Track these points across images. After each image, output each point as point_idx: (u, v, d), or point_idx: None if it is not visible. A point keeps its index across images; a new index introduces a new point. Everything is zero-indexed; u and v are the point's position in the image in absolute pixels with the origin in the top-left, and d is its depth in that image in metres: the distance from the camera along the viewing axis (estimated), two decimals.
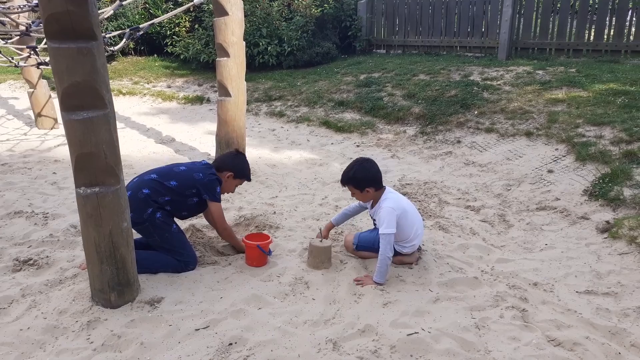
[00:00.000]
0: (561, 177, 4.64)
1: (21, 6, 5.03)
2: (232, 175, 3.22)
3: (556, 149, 5.16)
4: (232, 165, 3.24)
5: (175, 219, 3.14)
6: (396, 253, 3.07)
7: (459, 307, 2.71)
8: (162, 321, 2.53)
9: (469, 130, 6.16)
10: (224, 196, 4.49)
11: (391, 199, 3.05)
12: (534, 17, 8.70)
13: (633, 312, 2.66)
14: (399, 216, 2.99)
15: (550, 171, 4.81)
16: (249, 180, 3.39)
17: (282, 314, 2.64)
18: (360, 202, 3.24)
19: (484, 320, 2.59)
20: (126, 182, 2.85)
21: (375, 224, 3.21)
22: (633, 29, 8.01)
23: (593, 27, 8.29)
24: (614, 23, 8.08)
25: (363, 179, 3.03)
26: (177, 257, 3.01)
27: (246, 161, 3.36)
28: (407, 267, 3.17)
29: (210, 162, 3.34)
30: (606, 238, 3.53)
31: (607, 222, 3.68)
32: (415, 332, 2.45)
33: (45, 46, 5.49)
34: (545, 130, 5.53)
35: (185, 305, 2.69)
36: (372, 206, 3.15)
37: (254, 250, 3.14)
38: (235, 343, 2.37)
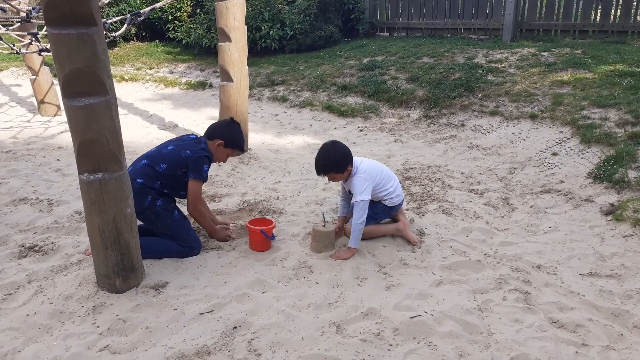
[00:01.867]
0: (565, 160, 4.61)
1: None
2: (223, 144, 3.12)
3: (561, 132, 5.12)
4: (222, 133, 3.14)
5: (178, 205, 3.14)
6: (388, 210, 3.27)
7: (462, 290, 2.72)
8: (167, 305, 2.56)
9: (473, 113, 6.12)
10: (226, 181, 4.52)
11: (361, 169, 3.16)
12: None
13: (636, 294, 2.66)
14: (373, 179, 3.15)
15: (554, 154, 4.78)
16: (242, 150, 3.26)
17: (286, 298, 2.66)
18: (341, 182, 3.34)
19: (487, 303, 2.60)
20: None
21: (349, 194, 3.31)
22: None
23: (599, 7, 8.16)
24: (620, 3, 7.95)
25: (342, 161, 3.10)
26: (181, 243, 3.03)
27: (239, 131, 3.24)
28: (410, 250, 3.18)
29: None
30: (610, 220, 3.52)
31: (612, 204, 3.67)
32: (418, 315, 2.47)
33: (47, 32, 5.47)
34: (550, 112, 5.49)
35: (189, 290, 2.71)
36: (345, 180, 3.24)
37: (258, 235, 3.15)
38: (240, 326, 2.40)
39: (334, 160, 3.08)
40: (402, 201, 3.42)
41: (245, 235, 3.33)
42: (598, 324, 2.41)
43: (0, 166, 4.90)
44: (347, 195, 3.38)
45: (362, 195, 3.06)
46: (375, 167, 3.29)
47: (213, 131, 3.18)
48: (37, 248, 3.16)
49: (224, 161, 3.27)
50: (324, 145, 3.18)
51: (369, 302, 2.61)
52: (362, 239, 3.20)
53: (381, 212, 3.34)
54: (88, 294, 2.61)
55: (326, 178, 3.19)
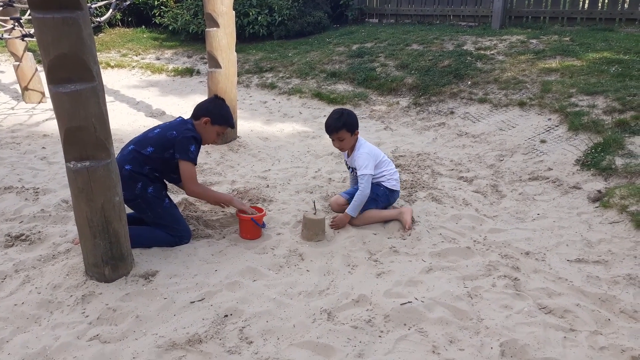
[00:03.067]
0: (554, 147, 4.64)
1: None
2: (209, 121, 3.03)
3: (549, 119, 5.15)
4: (208, 110, 3.05)
5: (169, 193, 3.11)
6: (388, 193, 3.41)
7: (452, 277, 2.74)
8: (157, 294, 2.54)
9: (462, 101, 6.13)
10: (215, 169, 4.49)
11: (365, 146, 3.38)
12: None
13: (622, 279, 2.70)
14: (375, 157, 3.36)
15: (543, 141, 4.81)
16: (231, 126, 3.17)
17: (277, 286, 2.65)
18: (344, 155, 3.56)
19: (477, 289, 2.62)
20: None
21: (352, 171, 3.53)
22: None
23: None
24: None
25: (354, 122, 3.30)
26: (171, 232, 3.00)
27: (225, 106, 3.14)
28: (400, 238, 3.19)
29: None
30: (597, 207, 3.56)
31: (599, 191, 3.71)
32: (409, 302, 2.48)
33: (30, 17, 5.33)
34: (538, 100, 5.51)
35: (180, 279, 2.69)
36: (349, 155, 3.45)
37: (248, 223, 3.13)
38: (231, 315, 2.39)
39: (347, 119, 3.26)
40: (399, 192, 3.54)
41: (236, 223, 3.32)
42: (586, 309, 2.45)
43: None
44: (353, 177, 3.55)
45: (366, 169, 3.24)
46: (375, 148, 3.48)
47: (198, 110, 3.09)
48: (23, 237, 3.11)
49: (216, 141, 3.17)
50: (335, 110, 3.38)
51: (359, 289, 2.62)
52: (365, 224, 3.29)
53: (382, 195, 3.40)
54: (77, 283, 2.58)
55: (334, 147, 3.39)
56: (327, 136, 3.38)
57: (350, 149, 3.41)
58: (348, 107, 6.61)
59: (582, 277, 2.76)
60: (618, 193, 3.55)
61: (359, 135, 3.40)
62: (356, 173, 3.35)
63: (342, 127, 3.25)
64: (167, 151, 2.93)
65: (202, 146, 3.09)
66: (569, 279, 2.73)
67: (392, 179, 3.43)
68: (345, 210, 3.25)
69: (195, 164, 2.98)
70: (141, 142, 2.98)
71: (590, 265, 2.89)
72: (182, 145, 2.90)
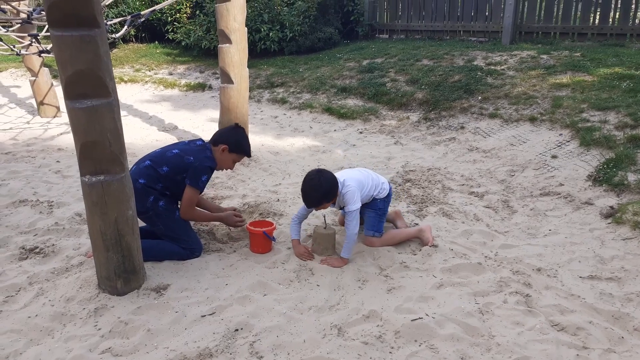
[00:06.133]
0: (565, 163, 4.62)
1: None
2: (227, 149, 3.12)
3: (560, 134, 5.13)
4: (226, 137, 3.15)
5: (179, 206, 3.15)
6: (386, 202, 3.29)
7: (463, 293, 2.72)
8: (169, 308, 2.56)
9: (473, 115, 6.13)
10: (226, 183, 4.52)
11: (346, 183, 3.08)
12: (538, 1, 8.59)
13: (636, 296, 2.67)
14: (360, 185, 3.14)
15: (554, 156, 4.79)
16: (248, 155, 3.25)
17: (287, 300, 2.66)
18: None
19: (488, 306, 2.60)
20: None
21: (343, 211, 3.24)
22: (639, 12, 7.91)
23: (598, 10, 8.18)
24: (619, 6, 7.98)
25: (332, 189, 3.00)
26: (182, 245, 3.03)
27: (244, 135, 3.24)
28: (410, 253, 3.18)
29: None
30: (610, 223, 3.53)
31: (611, 207, 3.68)
32: (420, 318, 2.47)
33: (47, 34, 5.44)
34: (549, 115, 5.50)
35: (191, 292, 2.71)
36: (334, 201, 3.12)
37: (259, 236, 3.15)
38: (241, 329, 2.40)
39: (325, 192, 2.97)
40: (391, 188, 3.42)
41: (246, 237, 3.33)
42: (599, 326, 2.42)
43: (0, 168, 4.89)
44: (303, 215, 3.24)
45: (355, 205, 3.04)
46: (351, 172, 3.29)
47: (218, 137, 3.20)
48: (37, 250, 3.16)
49: (231, 168, 3.25)
50: (310, 176, 3.03)
51: (370, 304, 2.61)
52: (389, 245, 3.22)
53: (383, 206, 3.32)
54: (89, 296, 2.61)
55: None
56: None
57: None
58: (358, 122, 6.65)
59: (595, 294, 2.73)
60: (631, 209, 3.52)
61: (337, 174, 3.13)
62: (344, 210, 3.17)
63: (321, 201, 3.01)
64: (181, 174, 3.01)
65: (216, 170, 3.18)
66: (581, 295, 2.70)
67: (383, 189, 3.29)
68: (341, 254, 3.06)
69: (201, 192, 3.08)
70: (158, 159, 3.04)
71: (603, 282, 2.86)
72: (195, 172, 2.99)
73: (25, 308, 2.57)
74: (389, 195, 3.37)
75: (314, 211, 3.28)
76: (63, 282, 2.76)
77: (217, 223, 3.57)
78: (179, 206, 3.13)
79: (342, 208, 3.20)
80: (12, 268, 2.96)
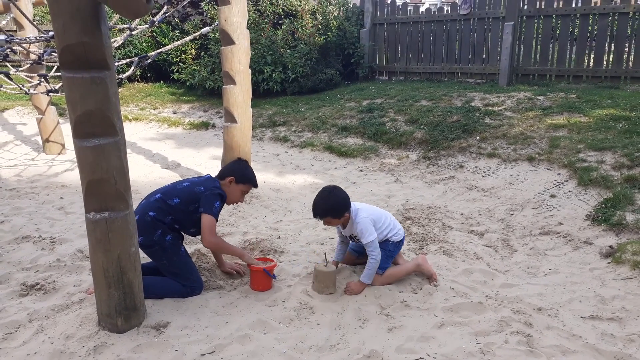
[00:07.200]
0: (564, 202, 4.66)
1: (37, 37, 5.17)
2: (234, 180, 3.20)
3: (558, 174, 5.20)
4: (231, 170, 3.25)
5: (184, 243, 3.17)
6: (398, 245, 3.33)
7: (464, 332, 2.71)
8: (168, 346, 2.54)
9: (472, 155, 6.22)
10: (228, 220, 4.55)
11: (361, 210, 3.21)
12: (533, 44, 8.85)
13: (638, 337, 2.65)
14: (375, 218, 3.22)
15: (552, 196, 4.84)
16: (255, 185, 3.32)
17: (288, 339, 2.64)
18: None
19: (489, 346, 2.59)
20: (134, 207, 2.89)
21: (352, 241, 3.36)
22: (632, 56, 8.13)
23: (592, 53, 8.42)
24: (612, 49, 8.21)
25: (340, 207, 3.12)
26: (184, 282, 3.03)
27: (248, 167, 3.34)
28: (411, 292, 3.18)
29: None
30: (610, 263, 3.54)
31: (611, 247, 3.69)
32: (421, 358, 2.45)
33: (55, 73, 5.60)
34: (547, 155, 5.58)
35: (191, 330, 2.70)
36: (345, 226, 3.25)
37: (259, 274, 3.16)
38: None
39: (332, 205, 3.10)
40: (404, 236, 3.46)
41: (247, 274, 3.34)
42: None
43: (3, 204, 4.94)
44: (345, 239, 3.41)
45: (371, 236, 3.12)
46: (370, 207, 3.38)
47: (223, 171, 3.29)
48: (38, 286, 3.16)
49: (241, 200, 3.31)
50: (324, 189, 3.21)
51: (371, 344, 2.60)
52: (390, 283, 3.22)
53: (394, 248, 3.35)
54: (89, 334, 2.60)
55: (322, 222, 3.21)
56: None
57: (343, 224, 3.25)
58: (358, 160, 6.74)
59: (597, 334, 2.71)
60: (630, 249, 3.54)
61: (355, 203, 3.23)
62: (356, 241, 3.27)
63: (326, 214, 3.11)
64: (192, 204, 3.05)
65: (225, 205, 3.22)
66: (583, 336, 2.69)
67: (398, 234, 3.34)
68: (360, 279, 3.17)
69: (217, 219, 3.09)
70: (169, 192, 3.10)
71: (604, 322, 2.85)
72: (207, 200, 3.03)
73: (25, 345, 2.56)
74: (401, 242, 3.40)
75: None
76: (63, 319, 2.75)
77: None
78: (184, 244, 3.15)
79: (352, 238, 3.28)
80: (13, 304, 2.96)
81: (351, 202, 3.21)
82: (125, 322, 2.62)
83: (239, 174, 3.23)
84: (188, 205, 3.05)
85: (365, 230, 3.12)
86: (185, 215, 3.06)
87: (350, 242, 3.41)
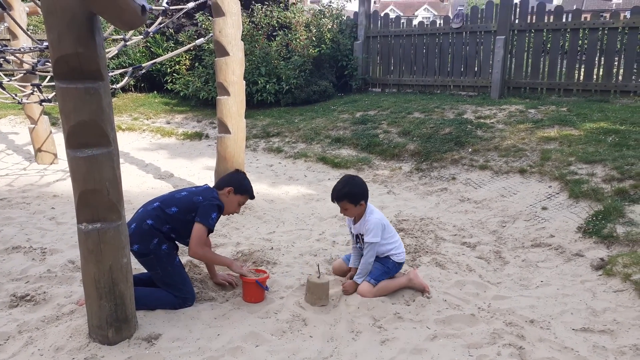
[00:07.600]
0: (555, 214, 4.70)
1: (31, 47, 5.17)
2: (232, 190, 3.22)
3: (549, 186, 5.24)
4: (230, 180, 3.27)
5: (178, 253, 3.16)
6: (397, 266, 3.34)
7: (457, 345, 2.71)
8: (160, 358, 2.52)
9: (464, 167, 6.26)
10: (220, 230, 4.53)
11: (376, 212, 3.32)
12: (525, 58, 8.96)
13: (629, 349, 2.67)
14: (384, 226, 3.28)
15: (544, 208, 4.87)
16: (252, 196, 3.35)
17: (280, 352, 2.63)
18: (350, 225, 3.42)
19: (482, 358, 2.59)
20: (126, 218, 2.88)
21: (357, 240, 3.39)
22: (621, 70, 8.25)
23: (583, 67, 8.53)
24: (602, 63, 8.33)
25: (358, 193, 3.23)
26: (176, 293, 3.02)
27: (246, 178, 3.37)
28: (404, 304, 3.18)
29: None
30: (601, 275, 3.56)
31: (602, 259, 3.72)
32: None
33: (49, 83, 5.60)
34: (538, 167, 5.63)
35: (182, 342, 2.68)
36: (356, 221, 3.34)
37: (252, 286, 3.15)
38: None
39: (350, 189, 3.21)
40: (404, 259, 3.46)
41: (239, 286, 3.32)
42: None
43: None
44: (356, 241, 3.42)
45: (374, 237, 3.20)
46: (384, 216, 3.41)
47: (221, 182, 3.31)
48: (28, 298, 3.13)
49: (237, 211, 3.32)
50: (345, 175, 3.38)
51: (363, 356, 2.59)
52: (382, 295, 3.21)
53: (392, 267, 3.34)
54: (79, 346, 2.57)
55: (338, 209, 3.31)
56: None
57: (357, 217, 3.35)
58: (352, 171, 6.75)
59: (588, 347, 2.72)
60: (621, 261, 3.56)
61: (368, 203, 3.33)
62: (361, 239, 3.33)
63: (343, 197, 3.22)
64: (190, 214, 3.05)
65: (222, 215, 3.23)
66: (574, 348, 2.70)
67: (400, 255, 3.36)
68: (353, 278, 3.25)
69: (211, 231, 3.10)
70: (167, 201, 3.10)
71: (596, 334, 2.86)
72: (205, 210, 3.04)
73: (14, 357, 2.52)
74: (400, 264, 3.40)
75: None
76: (53, 331, 2.72)
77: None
78: (178, 254, 3.14)
79: (359, 239, 3.33)
80: (2, 316, 2.92)
81: (369, 203, 3.32)
82: (116, 334, 2.60)
83: (237, 185, 3.25)
84: (186, 214, 3.05)
85: (373, 230, 3.20)
86: (182, 225, 3.05)
87: (357, 246, 3.41)
